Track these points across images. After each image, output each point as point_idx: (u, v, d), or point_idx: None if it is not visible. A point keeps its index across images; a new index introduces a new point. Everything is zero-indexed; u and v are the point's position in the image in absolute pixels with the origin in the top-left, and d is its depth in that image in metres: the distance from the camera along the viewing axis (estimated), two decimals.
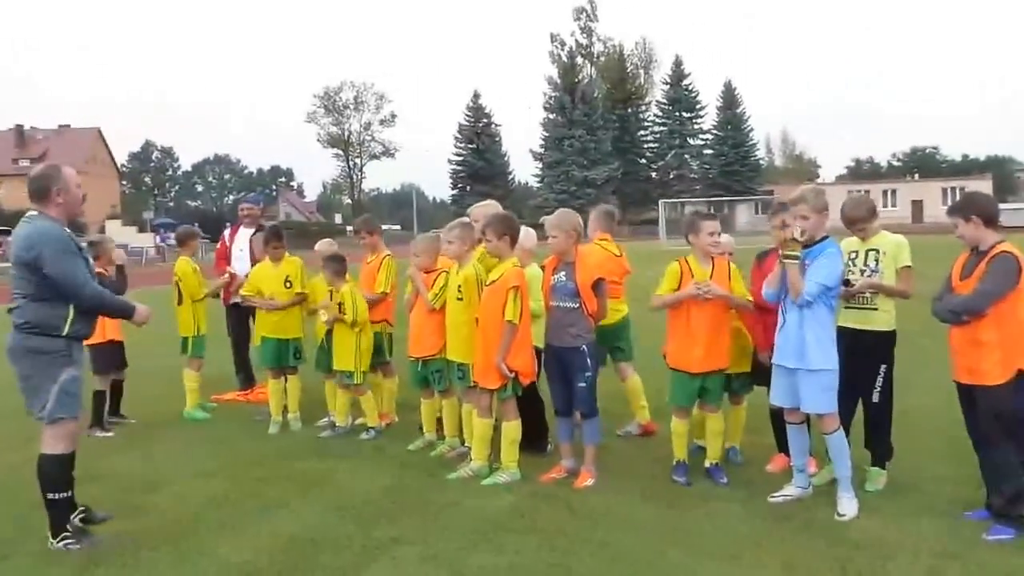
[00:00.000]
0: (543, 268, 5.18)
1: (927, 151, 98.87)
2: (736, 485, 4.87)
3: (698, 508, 4.52)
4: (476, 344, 5.09)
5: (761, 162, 78.63)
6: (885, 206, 59.31)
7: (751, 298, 4.94)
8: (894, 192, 65.46)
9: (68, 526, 4.16)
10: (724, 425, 5.06)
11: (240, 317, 7.49)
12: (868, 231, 4.80)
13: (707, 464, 5.03)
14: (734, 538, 4.09)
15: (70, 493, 4.20)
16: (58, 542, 4.14)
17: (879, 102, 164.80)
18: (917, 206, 63.17)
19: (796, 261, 4.32)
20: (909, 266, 4.72)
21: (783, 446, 4.96)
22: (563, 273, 4.95)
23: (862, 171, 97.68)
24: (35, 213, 4.15)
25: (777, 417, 4.90)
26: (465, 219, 5.62)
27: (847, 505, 4.36)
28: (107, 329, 6.45)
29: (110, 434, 6.56)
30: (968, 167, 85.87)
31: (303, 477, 5.27)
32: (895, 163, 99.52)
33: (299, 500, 4.83)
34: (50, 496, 4.14)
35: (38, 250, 3.98)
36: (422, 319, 5.62)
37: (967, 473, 4.56)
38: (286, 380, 6.64)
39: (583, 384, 4.90)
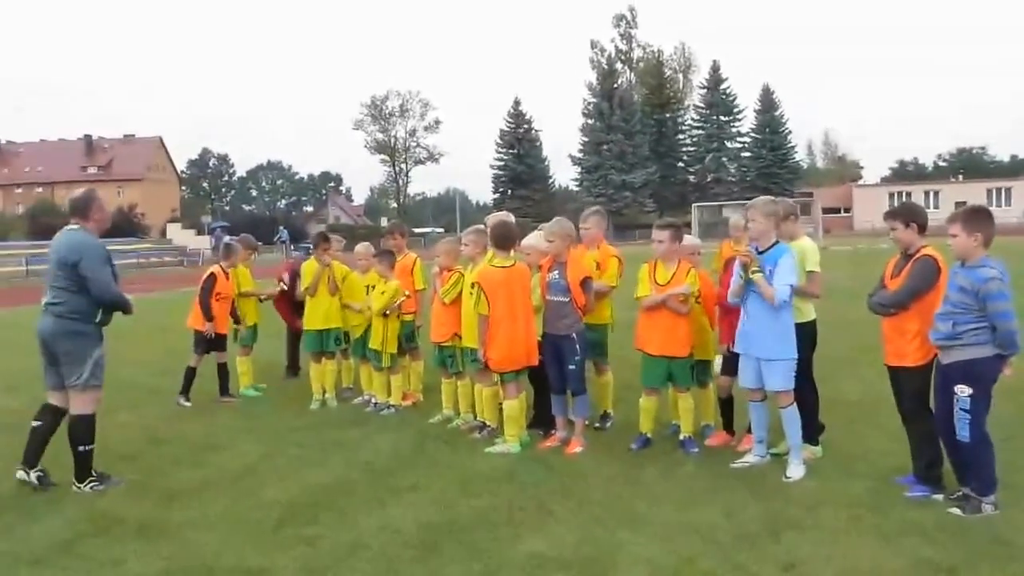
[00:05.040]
0: (540, 267, 6.04)
1: (974, 151, 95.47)
2: (705, 456, 5.59)
3: (662, 470, 5.29)
4: None
5: (801, 164, 77.20)
6: (928, 208, 56.25)
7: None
8: (936, 194, 62.14)
9: (92, 472, 5.11)
10: (693, 403, 5.81)
11: (298, 312, 8.51)
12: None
13: (680, 437, 5.81)
14: (686, 491, 4.89)
15: (94, 446, 5.12)
16: (85, 486, 5.06)
17: (925, 99, 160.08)
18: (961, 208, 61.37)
19: (760, 272, 5.02)
20: (812, 271, 5.36)
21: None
22: (556, 272, 5.80)
23: (906, 172, 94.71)
24: (76, 226, 5.14)
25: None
26: (480, 226, 6.55)
27: (795, 470, 5.07)
28: (219, 323, 7.79)
29: (189, 404, 7.68)
30: (1017, 168, 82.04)
31: (336, 442, 6.23)
32: (941, 163, 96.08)
33: (331, 458, 5.78)
34: (80, 449, 5.06)
35: (80, 255, 4.95)
36: (439, 310, 6.54)
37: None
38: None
39: (573, 366, 5.72)
